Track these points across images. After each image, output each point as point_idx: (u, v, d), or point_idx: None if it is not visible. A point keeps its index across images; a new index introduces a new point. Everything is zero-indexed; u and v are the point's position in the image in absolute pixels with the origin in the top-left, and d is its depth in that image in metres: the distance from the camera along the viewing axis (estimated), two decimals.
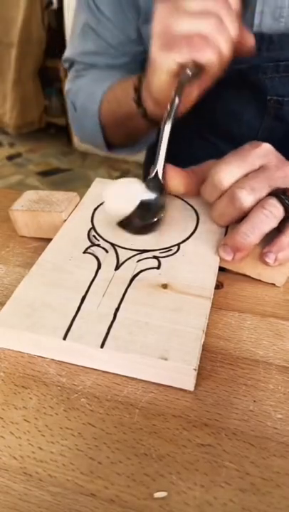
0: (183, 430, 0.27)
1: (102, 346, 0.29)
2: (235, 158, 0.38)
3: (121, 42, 0.60)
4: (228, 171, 0.37)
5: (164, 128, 0.40)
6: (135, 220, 0.39)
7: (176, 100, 0.39)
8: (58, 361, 0.31)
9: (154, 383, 0.29)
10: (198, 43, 0.38)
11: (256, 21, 0.48)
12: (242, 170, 0.37)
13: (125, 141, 0.64)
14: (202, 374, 0.30)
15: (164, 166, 0.41)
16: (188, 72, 0.39)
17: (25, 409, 0.28)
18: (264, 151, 0.38)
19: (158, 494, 0.24)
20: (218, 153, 0.42)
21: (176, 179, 0.41)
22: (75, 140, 2.37)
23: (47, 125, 2.48)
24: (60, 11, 2.16)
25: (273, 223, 0.35)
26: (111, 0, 0.57)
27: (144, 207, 0.39)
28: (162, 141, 0.40)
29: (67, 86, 0.68)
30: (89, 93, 0.61)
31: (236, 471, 0.25)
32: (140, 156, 0.78)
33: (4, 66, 2.27)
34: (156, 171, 0.41)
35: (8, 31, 2.18)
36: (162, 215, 0.40)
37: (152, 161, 0.41)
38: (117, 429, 0.27)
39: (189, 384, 0.29)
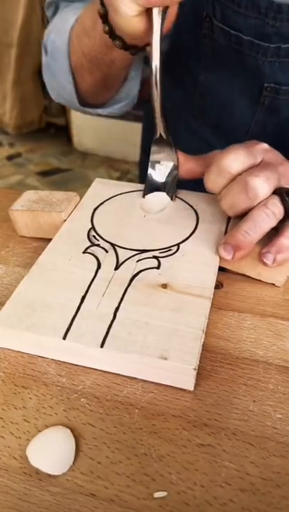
0: (183, 430, 0.27)
1: (101, 346, 0.29)
2: (243, 147, 0.37)
3: None
4: (236, 157, 0.36)
5: (154, 77, 0.37)
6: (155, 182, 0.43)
7: (159, 42, 0.36)
8: (58, 361, 0.31)
9: (153, 383, 0.29)
10: None
11: None
12: (250, 160, 0.36)
13: (100, 87, 0.52)
14: (202, 374, 0.30)
15: (165, 120, 0.40)
16: (159, 9, 0.36)
17: (25, 409, 0.28)
18: (265, 148, 0.38)
19: (158, 494, 0.24)
20: (207, 148, 0.41)
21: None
22: (75, 140, 2.37)
23: (47, 125, 2.48)
24: None
25: (273, 223, 0.35)
26: None
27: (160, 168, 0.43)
28: (154, 94, 0.38)
29: (46, 32, 0.55)
30: (58, 31, 0.51)
31: (236, 471, 0.25)
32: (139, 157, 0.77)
33: (4, 66, 2.27)
34: (160, 134, 0.41)
35: (8, 31, 2.18)
36: (176, 172, 0.43)
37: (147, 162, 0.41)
38: (116, 429, 0.27)
39: (189, 384, 0.29)
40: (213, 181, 0.38)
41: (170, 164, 0.43)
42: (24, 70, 2.26)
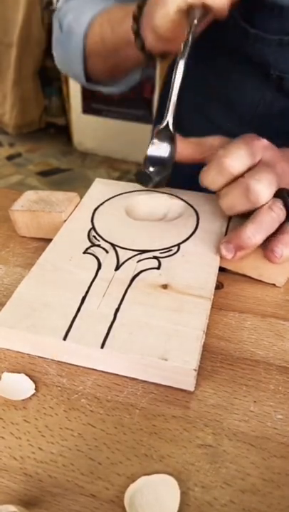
0: (183, 431, 0.27)
1: (102, 347, 0.29)
2: (244, 145, 0.36)
3: None
4: (238, 157, 0.35)
5: (176, 71, 0.39)
6: (150, 172, 0.42)
7: (190, 41, 0.39)
8: (58, 362, 0.31)
9: (154, 384, 0.29)
10: None
11: None
12: (251, 160, 0.36)
13: (108, 74, 0.59)
14: (202, 374, 0.30)
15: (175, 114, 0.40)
16: (198, 12, 0.39)
17: (25, 409, 0.28)
18: (264, 145, 0.37)
19: None
20: (213, 128, 0.41)
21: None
22: (75, 140, 2.37)
23: (47, 125, 2.48)
24: None
25: (276, 226, 0.35)
26: None
27: (156, 161, 0.42)
28: (174, 86, 0.39)
29: (58, 5, 0.62)
30: (78, 14, 0.57)
31: (237, 472, 0.25)
32: (139, 157, 0.77)
33: (4, 66, 2.27)
34: (168, 122, 0.41)
35: (8, 31, 2.18)
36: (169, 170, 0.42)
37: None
38: (117, 430, 0.27)
39: (189, 384, 0.29)
40: (212, 179, 0.37)
41: (165, 159, 0.42)
42: (24, 70, 2.26)
